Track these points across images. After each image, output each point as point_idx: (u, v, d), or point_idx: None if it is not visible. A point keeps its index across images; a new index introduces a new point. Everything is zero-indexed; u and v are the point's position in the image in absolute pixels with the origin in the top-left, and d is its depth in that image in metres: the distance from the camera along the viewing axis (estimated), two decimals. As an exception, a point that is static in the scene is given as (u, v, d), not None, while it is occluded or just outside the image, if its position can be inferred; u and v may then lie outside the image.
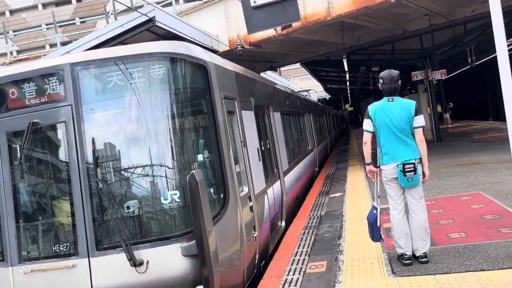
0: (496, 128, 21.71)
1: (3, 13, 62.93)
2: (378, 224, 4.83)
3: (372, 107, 4.93)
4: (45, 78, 4.51)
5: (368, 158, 4.98)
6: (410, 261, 4.81)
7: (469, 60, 19.84)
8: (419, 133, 4.81)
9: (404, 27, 15.58)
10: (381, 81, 4.95)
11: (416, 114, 4.76)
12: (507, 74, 4.44)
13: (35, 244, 4.51)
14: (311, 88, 35.35)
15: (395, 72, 4.96)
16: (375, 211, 4.85)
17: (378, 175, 5.00)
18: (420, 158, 4.76)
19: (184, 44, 4.87)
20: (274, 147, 7.98)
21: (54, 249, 4.41)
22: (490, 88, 30.37)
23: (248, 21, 7.21)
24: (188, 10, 13.72)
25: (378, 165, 4.95)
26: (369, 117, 4.89)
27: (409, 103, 4.84)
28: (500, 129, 20.07)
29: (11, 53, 21.23)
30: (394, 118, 4.77)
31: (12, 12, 64.18)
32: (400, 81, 4.95)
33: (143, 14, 9.87)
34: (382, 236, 4.92)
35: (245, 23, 7.31)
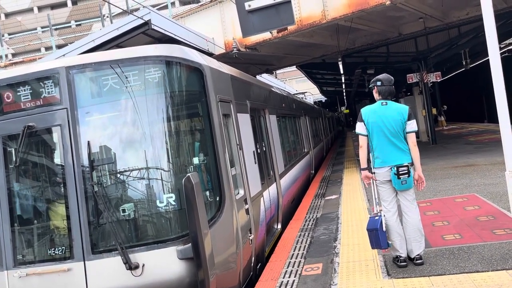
0: (491, 130, 21.82)
1: (-2, 16, 62.73)
2: (384, 229, 4.75)
3: (365, 111, 4.94)
4: (41, 82, 4.51)
5: (364, 163, 4.93)
6: (405, 263, 4.83)
7: (464, 63, 19.94)
8: (412, 138, 4.84)
9: (399, 30, 15.68)
10: (378, 83, 4.96)
11: (409, 119, 4.80)
12: (499, 76, 4.48)
13: (30, 248, 4.50)
14: (307, 90, 35.40)
15: (391, 76, 5.04)
16: (376, 218, 4.81)
17: (374, 181, 4.95)
18: (411, 162, 4.79)
19: (180, 47, 4.88)
20: (270, 149, 7.99)
21: (50, 253, 4.40)
22: (484, 90, 30.51)
23: (243, 25, 7.26)
24: (184, 13, 13.73)
25: (371, 168, 4.94)
26: (362, 120, 4.90)
27: (402, 108, 4.89)
28: (495, 131, 20.17)
29: (6, 56, 21.17)
30: (388, 121, 4.79)
31: (7, 15, 63.99)
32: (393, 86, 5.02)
33: (138, 17, 9.87)
34: (390, 242, 4.82)
35: (240, 27, 7.35)
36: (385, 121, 4.79)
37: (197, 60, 4.80)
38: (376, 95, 5.00)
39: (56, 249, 4.40)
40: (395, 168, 4.71)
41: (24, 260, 4.44)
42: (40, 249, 4.47)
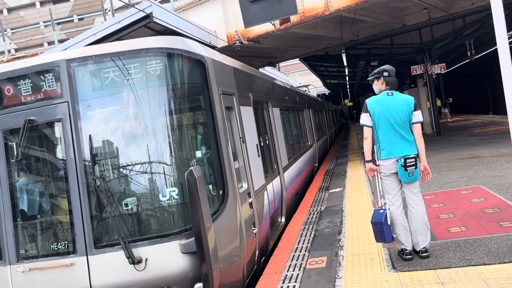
0: (495, 121, 21.67)
1: (0, 11, 62.74)
2: (389, 223, 4.69)
3: (370, 101, 4.86)
4: (41, 75, 4.46)
5: (368, 155, 4.86)
6: (410, 256, 4.78)
7: (469, 54, 19.75)
8: (417, 128, 4.78)
9: (403, 21, 15.51)
10: (385, 73, 4.89)
11: (415, 109, 4.76)
12: (507, 66, 4.39)
13: (33, 243, 4.48)
14: (311, 83, 35.29)
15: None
16: (381, 211, 4.75)
17: (379, 173, 4.88)
18: (417, 154, 4.73)
19: (181, 39, 4.82)
20: (273, 142, 7.94)
21: (52, 248, 4.38)
22: (489, 82, 30.30)
23: (245, 15, 7.18)
24: (186, 6, 13.63)
25: (375, 160, 4.88)
26: (367, 111, 4.83)
27: (408, 98, 4.84)
28: (500, 122, 20.02)
29: (9, 51, 21.15)
30: (394, 112, 4.72)
31: (9, 10, 63.97)
32: None
33: (140, 10, 9.80)
34: (394, 236, 4.76)
35: (242, 17, 7.26)
36: (391, 111, 4.72)
37: (199, 52, 4.74)
38: (382, 86, 4.92)
39: (59, 243, 4.38)
40: (403, 160, 4.64)
41: (27, 255, 4.42)
42: (42, 244, 4.45)
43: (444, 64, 19.33)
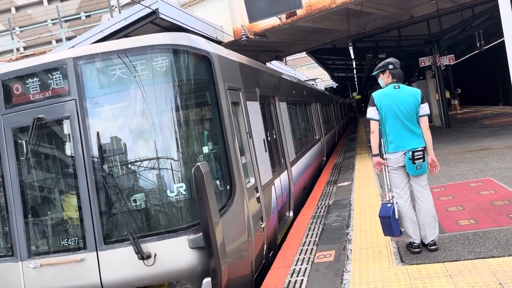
0: (506, 113, 21.42)
1: (8, 10, 63.20)
2: (397, 217, 4.68)
3: (377, 94, 4.84)
4: (49, 73, 4.51)
5: (375, 149, 4.85)
6: (419, 249, 4.77)
7: (478, 45, 19.50)
8: (425, 121, 4.76)
9: (411, 13, 15.37)
10: (391, 66, 4.86)
11: (422, 102, 4.74)
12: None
13: (44, 239, 4.54)
14: (318, 77, 35.09)
15: None
16: (389, 205, 4.74)
17: (386, 167, 4.86)
18: (425, 147, 4.70)
19: (187, 35, 4.83)
20: (280, 137, 7.94)
21: (63, 244, 4.44)
22: (499, 72, 29.88)
23: (249, 10, 7.16)
24: (192, 1, 13.62)
25: (383, 154, 4.86)
26: (374, 105, 4.80)
27: (415, 91, 4.81)
28: (511, 113, 19.81)
29: (17, 49, 21.31)
30: (402, 105, 4.70)
31: (17, 8, 64.40)
32: None
33: (146, 7, 9.82)
34: (402, 229, 4.76)
35: (246, 12, 7.24)
36: (399, 104, 4.70)
37: (205, 48, 4.74)
38: (388, 79, 4.89)
39: (69, 239, 4.44)
40: (410, 153, 4.62)
41: (38, 251, 4.49)
42: (53, 240, 4.51)
43: (453, 55, 19.12)
